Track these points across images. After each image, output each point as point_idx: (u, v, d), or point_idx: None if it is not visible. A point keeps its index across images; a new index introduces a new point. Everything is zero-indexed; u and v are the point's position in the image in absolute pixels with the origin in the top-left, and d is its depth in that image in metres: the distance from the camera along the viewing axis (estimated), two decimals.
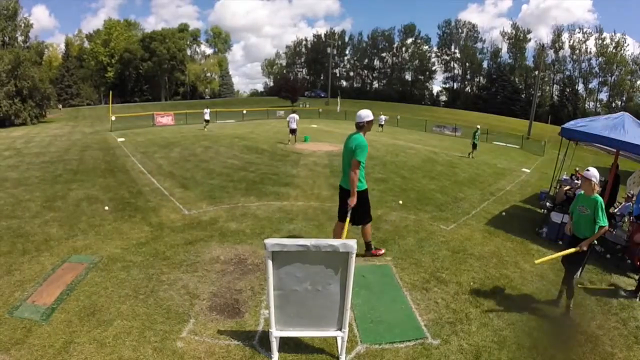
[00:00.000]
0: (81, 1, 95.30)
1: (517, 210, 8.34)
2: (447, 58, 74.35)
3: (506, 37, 68.85)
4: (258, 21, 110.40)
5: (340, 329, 3.08)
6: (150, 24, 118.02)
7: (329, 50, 65.42)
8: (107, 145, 15.35)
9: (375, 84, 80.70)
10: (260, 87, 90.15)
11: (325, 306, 3.02)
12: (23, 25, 49.45)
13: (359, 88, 79.45)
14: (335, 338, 3.21)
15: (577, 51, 61.91)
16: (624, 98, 58.37)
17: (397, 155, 15.07)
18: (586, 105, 62.39)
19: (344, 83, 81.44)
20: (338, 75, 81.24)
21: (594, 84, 62.01)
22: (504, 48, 69.49)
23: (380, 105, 46.16)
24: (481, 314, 3.94)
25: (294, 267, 2.89)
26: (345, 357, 3.15)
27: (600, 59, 59.68)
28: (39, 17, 78.20)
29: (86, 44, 64.15)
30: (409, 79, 76.90)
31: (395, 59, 77.28)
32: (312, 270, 2.91)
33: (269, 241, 2.78)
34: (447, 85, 76.02)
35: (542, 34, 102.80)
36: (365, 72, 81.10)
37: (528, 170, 14.30)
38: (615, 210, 7.70)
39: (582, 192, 4.16)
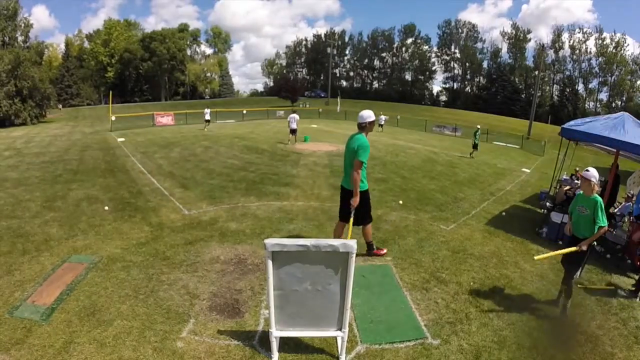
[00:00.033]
0: (81, 1, 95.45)
1: (517, 210, 8.34)
2: (447, 58, 74.37)
3: (506, 37, 68.92)
4: (258, 21, 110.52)
5: (340, 329, 3.08)
6: (150, 24, 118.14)
7: (329, 50, 65.40)
8: (107, 145, 15.36)
9: (375, 84, 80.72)
10: (260, 87, 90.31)
11: (325, 306, 3.02)
12: (23, 25, 49.48)
13: (359, 88, 79.44)
14: (335, 338, 3.21)
15: (577, 51, 61.93)
16: (624, 98, 58.36)
17: (397, 155, 15.07)
18: (586, 105, 62.38)
19: (344, 83, 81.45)
20: (338, 75, 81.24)
21: (594, 84, 62.10)
22: (504, 48, 69.60)
23: (380, 105, 46.13)
24: (481, 314, 3.94)
25: (294, 267, 2.89)
26: (345, 357, 3.15)
27: (600, 59, 59.68)
28: (39, 17, 78.35)
29: (86, 44, 64.18)
30: (409, 79, 76.88)
31: (395, 59, 77.27)
32: (312, 270, 2.91)
33: (269, 241, 2.78)
34: (447, 85, 76.10)
35: (542, 34, 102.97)
36: (365, 72, 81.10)
37: (528, 170, 14.30)
38: (615, 210, 7.70)
39: (582, 192, 4.16)
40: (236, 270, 4.61)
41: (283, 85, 52.38)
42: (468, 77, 74.32)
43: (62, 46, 61.54)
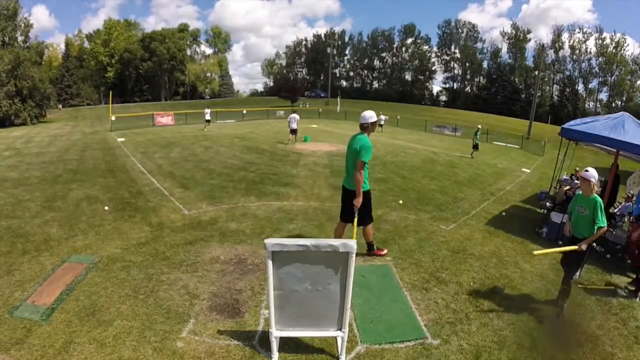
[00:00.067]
0: (81, 1, 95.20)
1: (517, 210, 8.34)
2: (447, 58, 74.38)
3: (506, 37, 68.93)
4: (258, 21, 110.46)
5: (340, 329, 3.08)
6: (150, 24, 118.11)
7: (329, 50, 65.39)
8: (107, 145, 15.36)
9: (375, 84, 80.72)
10: (260, 87, 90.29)
11: (325, 306, 3.02)
12: (23, 25, 49.48)
13: (359, 88, 79.44)
14: (335, 338, 3.21)
15: (577, 51, 61.94)
16: (624, 98, 58.37)
17: (397, 155, 15.07)
18: (586, 105, 62.39)
19: (344, 83, 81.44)
20: (338, 75, 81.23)
21: (594, 84, 62.12)
22: (504, 48, 69.61)
23: (380, 105, 46.14)
24: (481, 314, 3.94)
25: (294, 267, 2.89)
26: (345, 357, 3.15)
27: (600, 59, 59.69)
28: (39, 17, 78.34)
29: (86, 44, 64.19)
30: (409, 79, 76.88)
31: (395, 59, 77.26)
32: (312, 270, 2.91)
33: (269, 241, 2.78)
34: (447, 85, 76.12)
35: (542, 34, 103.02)
36: (365, 72, 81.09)
37: (528, 170, 14.31)
38: (615, 210, 7.70)
39: (581, 192, 4.15)
40: (236, 270, 4.61)
41: (283, 85, 52.39)
42: (468, 77, 74.35)
43: (62, 46, 61.68)
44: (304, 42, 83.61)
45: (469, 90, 73.41)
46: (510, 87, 64.77)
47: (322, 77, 78.63)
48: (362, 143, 4.50)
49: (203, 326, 3.49)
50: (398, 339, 3.43)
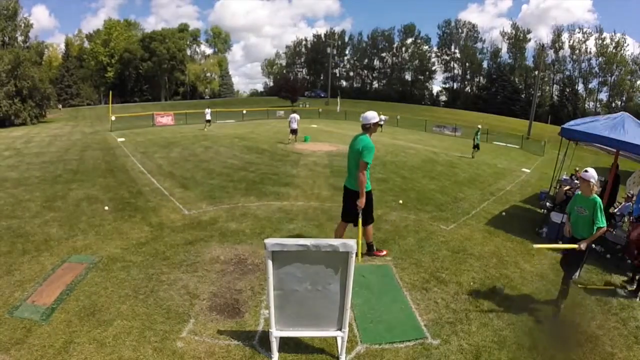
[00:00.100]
0: (81, 1, 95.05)
1: (517, 210, 8.34)
2: (447, 58, 74.37)
3: (506, 37, 68.92)
4: (258, 21, 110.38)
5: (340, 329, 3.08)
6: (150, 24, 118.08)
7: (328, 50, 65.38)
8: (107, 145, 15.36)
9: (375, 84, 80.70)
10: (260, 87, 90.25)
11: (325, 306, 3.02)
12: (23, 25, 49.44)
13: (358, 88, 79.43)
14: (335, 338, 3.21)
15: (577, 51, 61.94)
16: (624, 98, 58.37)
17: (397, 155, 15.07)
18: (586, 105, 62.39)
19: (344, 83, 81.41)
20: (338, 75, 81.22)
21: (593, 84, 62.12)
22: (504, 48, 69.59)
23: (380, 105, 46.10)
24: (481, 314, 3.94)
25: (294, 267, 2.89)
26: (345, 357, 3.15)
27: (600, 59, 59.69)
28: (39, 17, 78.31)
29: (86, 44, 64.15)
30: (409, 79, 76.87)
31: (395, 59, 77.25)
32: (312, 270, 2.91)
33: (269, 241, 2.78)
34: (447, 85, 76.10)
35: (542, 34, 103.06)
36: (365, 72, 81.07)
37: (528, 170, 14.31)
38: (615, 210, 7.70)
39: (580, 192, 4.15)
40: (236, 270, 4.61)
41: (283, 85, 52.37)
42: (468, 77, 74.34)
43: (62, 46, 61.63)
44: (303, 42, 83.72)
45: (469, 90, 73.41)
46: (510, 87, 64.77)
47: (322, 77, 78.62)
48: (364, 144, 4.51)
49: (203, 326, 3.49)
50: (398, 339, 3.44)
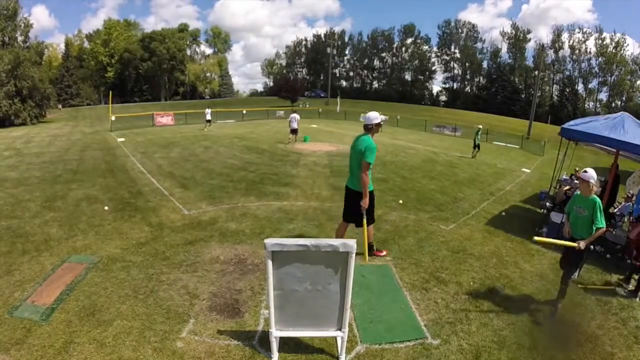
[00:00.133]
0: (81, 1, 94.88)
1: (517, 210, 8.34)
2: (447, 58, 74.30)
3: (506, 37, 68.82)
4: (258, 21, 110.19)
5: (340, 329, 3.08)
6: (150, 24, 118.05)
7: (328, 50, 65.37)
8: (107, 145, 15.36)
9: (375, 84, 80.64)
10: (260, 87, 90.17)
11: (325, 306, 3.02)
12: (23, 25, 49.39)
13: (358, 88, 79.39)
14: (335, 338, 3.21)
15: (577, 51, 61.88)
16: (624, 98, 58.33)
17: (397, 155, 15.07)
18: (586, 105, 62.35)
19: (344, 83, 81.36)
20: (338, 75, 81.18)
21: (593, 84, 62.03)
22: (504, 48, 69.50)
23: (380, 105, 46.12)
24: (481, 314, 3.94)
25: (293, 267, 2.89)
26: (345, 357, 3.15)
27: (600, 59, 59.63)
28: (39, 17, 78.17)
29: (86, 44, 64.11)
30: (409, 79, 76.79)
31: (395, 59, 77.20)
32: (312, 270, 2.91)
33: (269, 241, 2.78)
34: (447, 85, 76.01)
35: (542, 34, 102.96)
36: (365, 72, 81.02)
37: (528, 170, 14.30)
38: (615, 210, 7.69)
39: (579, 192, 4.14)
40: (236, 270, 4.61)
41: (283, 85, 52.34)
42: (468, 77, 74.29)
43: (62, 46, 61.57)
44: (303, 42, 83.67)
45: (469, 90, 73.38)
46: (510, 87, 64.74)
47: (322, 77, 78.60)
48: (366, 144, 4.52)
49: (203, 326, 3.49)
50: (398, 339, 3.44)
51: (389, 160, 13.79)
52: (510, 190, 10.43)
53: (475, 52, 72.22)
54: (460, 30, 73.03)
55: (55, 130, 21.98)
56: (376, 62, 79.77)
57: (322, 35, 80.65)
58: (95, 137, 18.67)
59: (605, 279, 5.12)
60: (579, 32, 61.83)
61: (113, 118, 22.30)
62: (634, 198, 7.41)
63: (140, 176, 9.65)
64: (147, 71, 62.69)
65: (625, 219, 7.32)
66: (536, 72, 46.04)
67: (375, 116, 4.67)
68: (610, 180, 6.84)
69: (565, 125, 6.72)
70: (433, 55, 75.22)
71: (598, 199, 3.88)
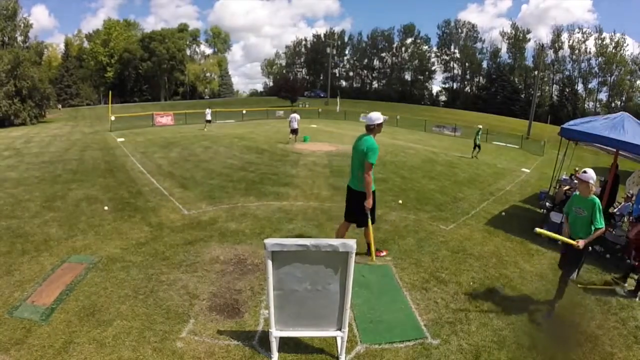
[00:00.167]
0: (81, 1, 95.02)
1: (516, 210, 8.34)
2: (447, 58, 74.30)
3: (506, 37, 68.83)
4: (258, 21, 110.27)
5: (340, 329, 3.08)
6: (150, 24, 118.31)
7: (328, 50, 65.39)
8: (106, 145, 15.35)
9: (375, 84, 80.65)
10: (259, 87, 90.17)
11: (325, 306, 3.02)
12: (22, 25, 49.40)
13: (358, 88, 79.39)
14: (335, 338, 3.21)
15: (577, 51, 61.87)
16: (624, 98, 58.33)
17: (397, 155, 15.07)
18: (586, 105, 62.35)
19: (344, 83, 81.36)
20: (337, 75, 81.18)
21: (593, 84, 62.02)
22: (504, 48, 69.50)
23: (380, 105, 46.14)
24: (481, 314, 3.94)
25: (293, 267, 2.89)
26: (345, 357, 3.15)
27: (599, 59, 59.63)
28: (39, 17, 78.24)
29: (86, 44, 64.10)
30: (409, 79, 76.80)
31: (394, 59, 77.21)
32: (312, 270, 2.91)
33: (269, 241, 2.78)
34: (447, 85, 76.01)
35: (542, 34, 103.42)
36: (365, 72, 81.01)
37: (528, 170, 14.31)
38: (615, 210, 7.70)
39: (578, 193, 4.14)
40: (236, 271, 4.61)
41: (283, 85, 52.38)
42: (468, 77, 74.30)
43: (62, 46, 61.57)
44: (303, 42, 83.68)
45: (469, 90, 73.39)
46: (509, 87, 64.76)
47: (321, 77, 78.61)
48: (368, 144, 4.53)
49: (203, 326, 3.49)
50: (398, 338, 3.44)
51: (389, 160, 13.79)
52: (510, 190, 10.43)
53: (475, 52, 72.25)
54: (460, 30, 73.07)
55: (55, 130, 21.97)
56: (376, 62, 79.80)
57: (322, 35, 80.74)
58: (95, 137, 18.66)
59: (604, 279, 5.12)
60: (578, 32, 61.89)
61: (113, 118, 22.29)
62: (633, 198, 7.42)
63: (140, 176, 9.65)
64: (146, 71, 62.67)
65: (625, 219, 7.33)
66: (536, 72, 46.04)
67: (377, 116, 4.69)
68: (610, 180, 6.85)
69: (565, 125, 6.73)
70: (433, 55, 75.30)
71: (597, 200, 3.88)
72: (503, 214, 7.83)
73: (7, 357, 2.98)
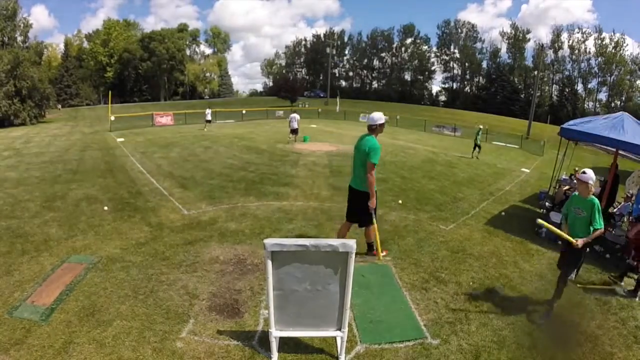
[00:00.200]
0: (80, 1, 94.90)
1: (516, 210, 8.34)
2: (447, 58, 74.33)
3: (505, 37, 68.84)
4: (257, 21, 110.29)
5: (339, 329, 3.08)
6: (150, 24, 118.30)
7: (328, 50, 65.41)
8: (106, 146, 15.34)
9: (375, 84, 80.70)
10: (259, 87, 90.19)
11: (325, 306, 3.02)
12: (22, 25, 49.35)
13: (358, 88, 79.41)
14: (334, 338, 3.21)
15: (577, 51, 61.88)
16: (623, 98, 58.35)
17: (397, 155, 15.07)
18: (585, 105, 62.37)
19: (343, 83, 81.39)
20: (337, 75, 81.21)
21: (593, 84, 62.04)
22: (503, 48, 69.53)
23: (379, 105, 46.13)
24: (481, 314, 3.94)
25: (293, 267, 2.89)
26: (345, 357, 3.15)
27: (599, 58, 59.64)
28: (38, 17, 78.09)
29: (85, 44, 64.12)
30: (409, 79, 76.82)
31: (394, 59, 77.22)
32: (312, 270, 2.91)
33: (269, 241, 2.78)
34: (447, 85, 76.04)
35: (542, 34, 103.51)
36: (365, 72, 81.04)
37: (527, 170, 14.31)
38: (615, 210, 7.70)
39: (577, 193, 4.13)
40: (235, 271, 4.61)
41: (282, 85, 52.38)
42: (467, 77, 74.32)
43: (62, 46, 61.52)
44: (303, 42, 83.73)
45: (469, 90, 73.41)
46: (509, 87, 64.77)
47: (321, 77, 78.64)
48: (370, 144, 4.54)
49: (202, 326, 3.49)
50: (397, 338, 3.44)
51: (389, 160, 13.78)
52: (510, 190, 10.43)
53: (475, 52, 72.26)
54: (459, 30, 73.10)
55: (55, 131, 21.97)
56: (376, 62, 79.82)
57: (322, 35, 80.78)
58: (94, 137, 18.66)
59: (604, 279, 5.12)
60: (578, 32, 61.89)
61: (112, 118, 22.28)
62: (633, 198, 7.42)
63: (139, 176, 9.65)
64: (146, 71, 62.67)
65: (625, 219, 7.33)
66: (535, 72, 46.06)
67: (379, 117, 4.71)
68: (609, 180, 6.85)
69: (565, 125, 6.74)
70: (432, 55, 75.34)
71: (596, 200, 3.87)
72: (503, 214, 7.83)
73: (6, 357, 2.98)
